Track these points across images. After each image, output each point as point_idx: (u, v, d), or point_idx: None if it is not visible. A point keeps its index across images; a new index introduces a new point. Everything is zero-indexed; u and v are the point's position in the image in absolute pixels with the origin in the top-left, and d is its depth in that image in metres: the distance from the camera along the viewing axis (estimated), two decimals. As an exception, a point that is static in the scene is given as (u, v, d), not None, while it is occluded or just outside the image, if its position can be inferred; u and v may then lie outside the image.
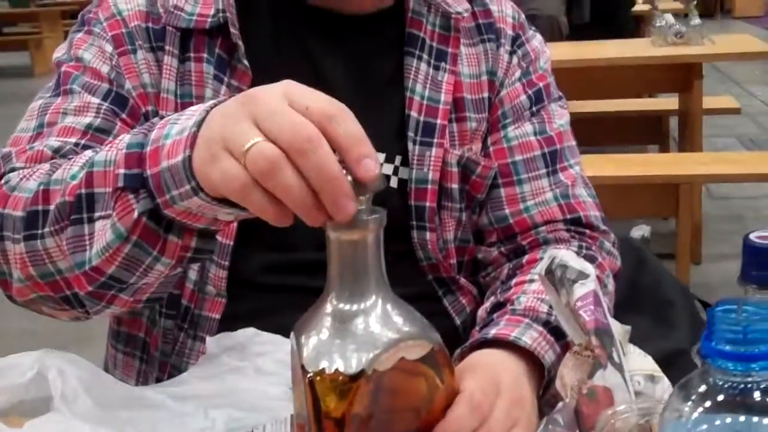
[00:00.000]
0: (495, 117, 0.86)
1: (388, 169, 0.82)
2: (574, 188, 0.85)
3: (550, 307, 0.70)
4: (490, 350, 0.68)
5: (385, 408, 0.49)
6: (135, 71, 0.78)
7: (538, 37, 0.92)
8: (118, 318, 0.83)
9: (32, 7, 9.98)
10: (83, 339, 1.63)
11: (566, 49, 3.31)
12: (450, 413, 0.54)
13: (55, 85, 0.78)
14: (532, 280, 0.77)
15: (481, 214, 0.86)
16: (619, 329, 0.62)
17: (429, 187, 0.81)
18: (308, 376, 0.47)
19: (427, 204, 0.81)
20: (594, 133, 3.21)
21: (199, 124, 0.53)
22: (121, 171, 0.57)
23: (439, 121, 0.82)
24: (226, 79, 0.78)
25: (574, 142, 0.89)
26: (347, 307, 0.49)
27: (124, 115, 0.77)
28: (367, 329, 0.48)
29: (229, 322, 0.76)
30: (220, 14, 0.78)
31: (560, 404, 0.59)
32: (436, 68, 0.83)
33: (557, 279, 0.62)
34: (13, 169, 0.70)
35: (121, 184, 0.57)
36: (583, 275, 0.61)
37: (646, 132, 3.78)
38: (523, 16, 0.92)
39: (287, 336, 0.52)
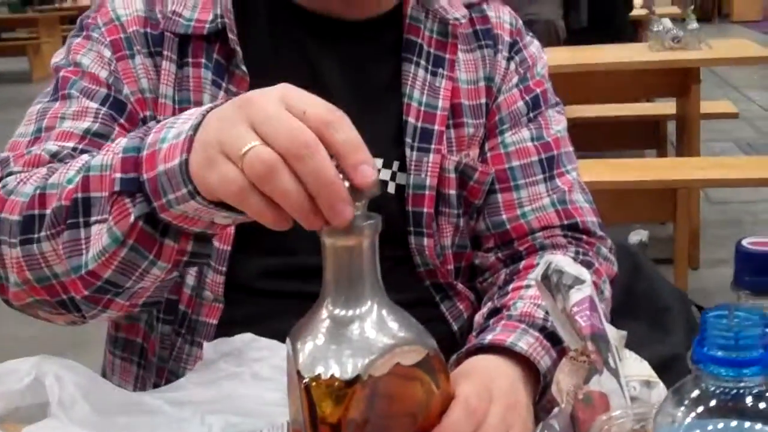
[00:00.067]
0: (492, 123, 0.86)
1: (385, 174, 0.82)
2: (571, 194, 0.86)
3: (547, 312, 0.70)
4: (485, 356, 0.68)
5: (380, 413, 0.49)
6: (133, 76, 0.78)
7: (536, 43, 0.92)
8: (116, 323, 0.83)
9: (31, 13, 10.00)
10: (80, 344, 1.63)
11: (564, 54, 3.32)
12: (445, 418, 0.54)
13: (54, 89, 0.79)
14: (528, 286, 0.77)
15: (478, 219, 0.86)
16: (614, 334, 0.62)
17: (426, 192, 0.82)
18: (304, 381, 0.48)
19: (425, 210, 0.82)
20: (592, 138, 3.22)
21: (196, 127, 0.53)
22: (118, 175, 0.58)
23: (436, 127, 0.82)
24: (224, 85, 0.78)
25: (571, 148, 0.89)
26: (343, 312, 0.49)
27: (122, 120, 0.77)
28: (363, 335, 0.48)
29: (227, 328, 0.76)
30: (218, 20, 0.78)
31: (556, 409, 0.59)
32: (434, 74, 0.83)
33: (553, 284, 0.62)
34: (10, 174, 0.70)
35: (117, 188, 0.57)
36: (579, 281, 0.62)
37: (643, 137, 3.78)
38: (520, 22, 0.92)
39: (285, 341, 0.52)
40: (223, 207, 0.53)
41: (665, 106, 3.69)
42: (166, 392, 0.68)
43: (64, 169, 0.64)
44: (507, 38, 0.89)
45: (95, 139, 0.74)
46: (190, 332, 0.79)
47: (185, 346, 0.79)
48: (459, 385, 0.57)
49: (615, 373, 0.58)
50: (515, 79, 0.88)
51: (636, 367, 0.62)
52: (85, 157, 0.64)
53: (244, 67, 0.78)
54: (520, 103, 0.87)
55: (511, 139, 0.86)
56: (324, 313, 0.49)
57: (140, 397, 0.67)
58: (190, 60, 0.79)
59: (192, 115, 0.55)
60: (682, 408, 0.38)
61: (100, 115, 0.76)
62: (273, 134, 0.47)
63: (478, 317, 0.79)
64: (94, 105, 0.76)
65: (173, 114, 0.77)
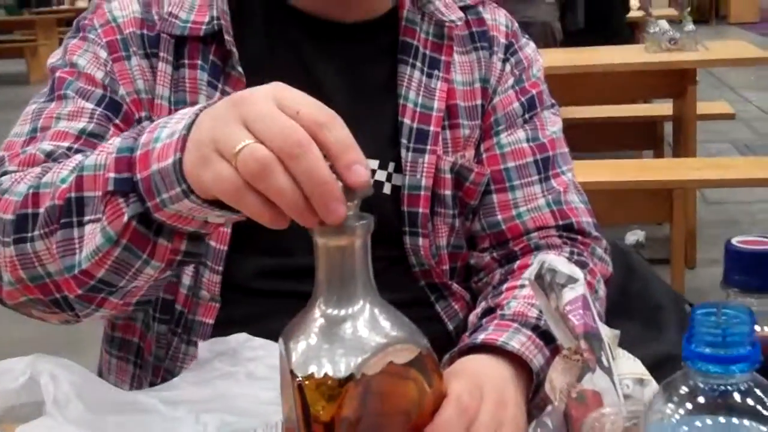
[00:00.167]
0: (488, 124, 0.87)
1: (381, 175, 0.82)
2: (566, 194, 0.86)
3: (540, 311, 0.70)
4: (477, 355, 0.68)
5: (373, 412, 0.50)
6: (129, 77, 0.78)
7: (531, 45, 0.93)
8: (113, 323, 0.84)
9: (27, 15, 10.00)
10: (75, 344, 1.63)
11: (561, 56, 3.33)
12: (437, 417, 0.54)
13: (50, 90, 0.79)
14: (522, 286, 0.78)
15: (473, 220, 0.86)
16: (608, 333, 0.63)
17: (422, 193, 0.82)
18: (297, 380, 0.48)
19: (420, 210, 0.82)
20: (589, 139, 3.23)
21: (189, 126, 0.53)
22: (111, 175, 0.58)
23: (432, 128, 0.83)
24: (220, 86, 0.79)
25: (566, 149, 0.89)
26: (335, 312, 0.49)
27: (117, 121, 0.77)
28: (356, 334, 0.49)
29: (223, 327, 0.76)
30: (215, 21, 0.78)
31: (549, 407, 0.59)
32: (429, 76, 0.84)
33: (546, 283, 0.62)
34: (5, 173, 0.70)
35: (110, 188, 0.58)
36: (572, 280, 0.62)
37: (640, 138, 3.79)
38: (516, 24, 0.92)
39: (280, 341, 0.52)
40: (217, 206, 0.53)
41: (662, 107, 3.70)
42: (161, 391, 0.68)
43: (58, 169, 0.64)
44: (502, 40, 0.89)
45: (90, 139, 0.74)
46: (187, 332, 0.79)
47: (181, 345, 0.79)
48: (451, 383, 0.57)
49: (608, 371, 0.59)
50: (511, 81, 0.88)
51: (629, 366, 0.63)
52: (78, 156, 0.65)
53: (240, 69, 0.78)
54: (516, 105, 0.87)
55: (506, 140, 0.86)
56: (316, 313, 0.49)
57: (135, 396, 0.67)
58: (186, 61, 0.79)
59: (185, 114, 0.55)
60: (672, 404, 0.38)
61: (96, 116, 0.76)
62: (266, 132, 0.48)
63: (472, 317, 0.80)
64: (89, 105, 0.77)
65: (169, 115, 0.77)
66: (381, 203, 0.81)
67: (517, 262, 0.83)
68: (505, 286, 0.80)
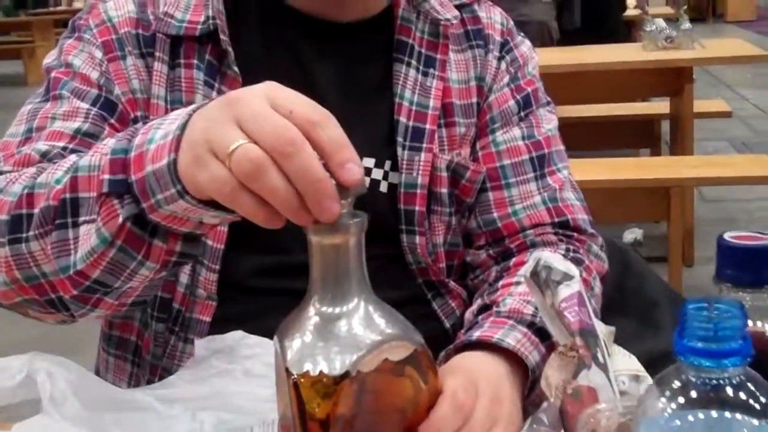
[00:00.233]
0: (483, 122, 0.87)
1: (377, 174, 0.82)
2: (562, 192, 0.86)
3: (536, 308, 0.71)
4: (473, 352, 0.68)
5: (369, 409, 0.50)
6: (124, 77, 0.78)
7: (527, 42, 0.93)
8: (110, 322, 0.84)
9: (24, 16, 10.00)
10: (72, 343, 1.62)
11: (557, 54, 3.33)
12: (433, 413, 0.54)
13: (45, 90, 0.79)
14: (518, 283, 0.78)
15: (469, 217, 0.86)
16: (603, 330, 0.63)
17: (418, 191, 0.82)
18: (293, 378, 0.48)
19: (417, 208, 0.82)
20: (586, 138, 3.23)
21: (183, 127, 0.53)
22: (106, 176, 0.58)
23: (428, 127, 0.83)
24: (216, 85, 0.79)
25: (562, 147, 0.90)
26: (330, 309, 0.49)
27: (112, 120, 0.77)
28: (351, 331, 0.49)
29: (220, 325, 0.76)
30: (210, 21, 0.79)
31: (545, 404, 0.59)
32: (425, 74, 0.84)
33: (542, 280, 0.62)
34: (0, 173, 0.70)
35: (105, 189, 0.58)
36: (567, 276, 0.62)
37: (637, 136, 3.79)
38: (511, 22, 0.93)
39: (276, 339, 0.52)
40: (213, 206, 0.53)
41: (659, 106, 3.70)
42: (157, 389, 0.68)
43: (53, 169, 0.64)
44: (498, 38, 0.89)
45: (86, 139, 0.74)
46: (184, 330, 0.79)
47: (179, 343, 0.79)
48: (446, 380, 0.57)
49: (604, 367, 0.59)
50: (506, 79, 0.88)
51: (624, 362, 0.63)
52: (72, 157, 0.65)
53: (236, 68, 0.78)
54: (511, 102, 0.88)
55: (502, 137, 0.86)
56: (311, 311, 0.50)
57: (131, 394, 0.67)
58: (182, 61, 0.79)
59: (179, 115, 0.55)
60: (664, 399, 0.39)
61: (91, 116, 0.76)
62: (259, 132, 0.48)
63: (468, 314, 0.80)
64: (84, 105, 0.77)
65: (166, 114, 0.77)
66: (377, 201, 0.81)
67: (513, 260, 0.84)
68: (500, 283, 0.80)
